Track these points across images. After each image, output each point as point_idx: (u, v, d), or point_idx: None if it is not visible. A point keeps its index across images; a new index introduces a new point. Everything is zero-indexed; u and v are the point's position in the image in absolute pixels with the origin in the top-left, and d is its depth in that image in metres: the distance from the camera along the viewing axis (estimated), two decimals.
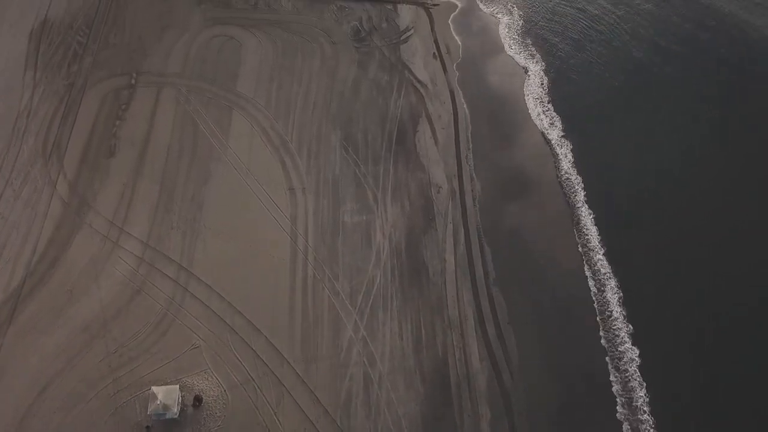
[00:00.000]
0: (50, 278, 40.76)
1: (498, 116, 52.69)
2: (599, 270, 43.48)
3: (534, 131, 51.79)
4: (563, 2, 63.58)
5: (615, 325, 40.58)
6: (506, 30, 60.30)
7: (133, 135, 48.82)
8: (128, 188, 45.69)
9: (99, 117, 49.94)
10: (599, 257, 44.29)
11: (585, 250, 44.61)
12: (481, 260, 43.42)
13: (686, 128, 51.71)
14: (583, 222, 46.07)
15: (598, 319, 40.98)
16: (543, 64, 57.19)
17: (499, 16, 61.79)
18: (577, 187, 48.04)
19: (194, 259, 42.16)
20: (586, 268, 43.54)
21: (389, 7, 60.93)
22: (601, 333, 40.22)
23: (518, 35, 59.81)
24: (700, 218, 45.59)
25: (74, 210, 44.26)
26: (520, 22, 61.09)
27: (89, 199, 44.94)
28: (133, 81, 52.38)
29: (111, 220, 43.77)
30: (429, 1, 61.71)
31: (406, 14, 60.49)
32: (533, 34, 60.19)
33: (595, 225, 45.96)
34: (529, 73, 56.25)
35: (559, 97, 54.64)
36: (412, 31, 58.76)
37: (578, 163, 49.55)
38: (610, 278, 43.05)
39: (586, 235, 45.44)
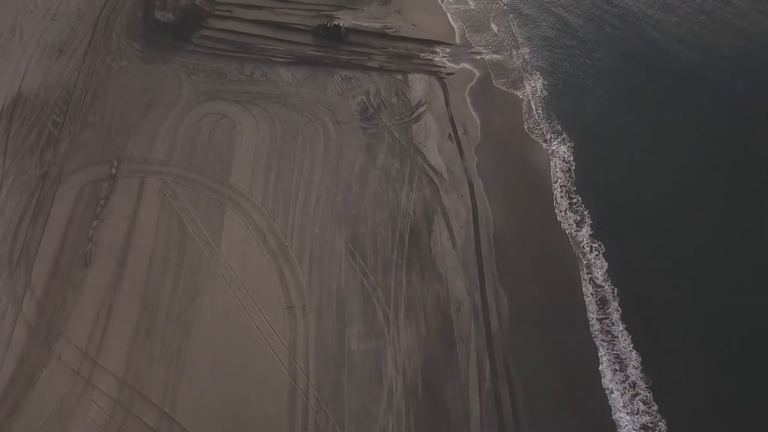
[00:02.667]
0: (9, 430, 35.19)
1: (523, 212, 46.95)
2: (644, 410, 37.99)
3: (562, 231, 46.22)
4: (594, 66, 58.16)
5: None
6: (530, 103, 54.63)
7: (111, 239, 43.19)
8: (104, 307, 40.03)
9: (74, 216, 44.31)
10: (642, 390, 38.82)
11: (626, 383, 39.15)
12: (509, 399, 37.72)
13: (743, 225, 46.24)
14: (621, 347, 40.56)
15: None
16: (570, 143, 51.58)
17: (523, 85, 56.18)
18: (613, 303, 42.49)
19: (178, 402, 36.34)
20: (629, 408, 38.09)
21: (399, 77, 55.37)
22: None
23: (543, 109, 54.13)
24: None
25: (42, 337, 38.57)
26: (545, 94, 55.48)
27: (59, 322, 39.25)
28: (113, 170, 46.77)
29: (84, 350, 38.08)
30: (443, 70, 56.19)
31: (417, 86, 54.89)
32: (560, 107, 54.46)
33: (635, 350, 40.45)
34: (555, 157, 50.67)
35: (587, 185, 48.90)
36: (425, 106, 53.16)
37: (611, 270, 43.88)
38: (658, 419, 37.56)
39: (626, 364, 39.91)
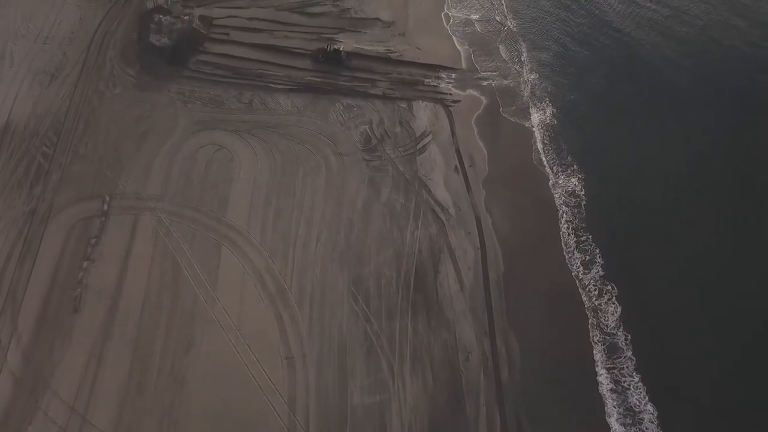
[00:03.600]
0: None
1: (535, 250, 44.90)
2: None
3: (573, 272, 44.27)
4: (603, 94, 56.17)
5: None
6: (538, 133, 52.62)
7: (102, 282, 41.09)
8: (94, 357, 37.97)
9: (63, 256, 42.22)
10: None
11: None
12: None
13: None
14: (635, 400, 38.64)
15: None
16: (580, 175, 49.56)
17: (531, 114, 54.06)
18: (627, 353, 40.60)
19: None
20: None
21: (403, 105, 53.33)
22: None
23: (552, 140, 52.03)
24: None
25: (27, 391, 36.45)
26: (554, 122, 53.42)
27: (46, 373, 37.13)
28: (105, 206, 44.71)
29: (71, 404, 35.99)
30: (449, 98, 54.19)
31: (422, 115, 52.85)
32: (569, 137, 52.34)
33: (651, 402, 38.68)
34: (565, 191, 48.68)
35: (598, 221, 46.97)
36: (430, 137, 51.14)
37: (625, 315, 42.03)
38: None
39: (641, 418, 38.07)
